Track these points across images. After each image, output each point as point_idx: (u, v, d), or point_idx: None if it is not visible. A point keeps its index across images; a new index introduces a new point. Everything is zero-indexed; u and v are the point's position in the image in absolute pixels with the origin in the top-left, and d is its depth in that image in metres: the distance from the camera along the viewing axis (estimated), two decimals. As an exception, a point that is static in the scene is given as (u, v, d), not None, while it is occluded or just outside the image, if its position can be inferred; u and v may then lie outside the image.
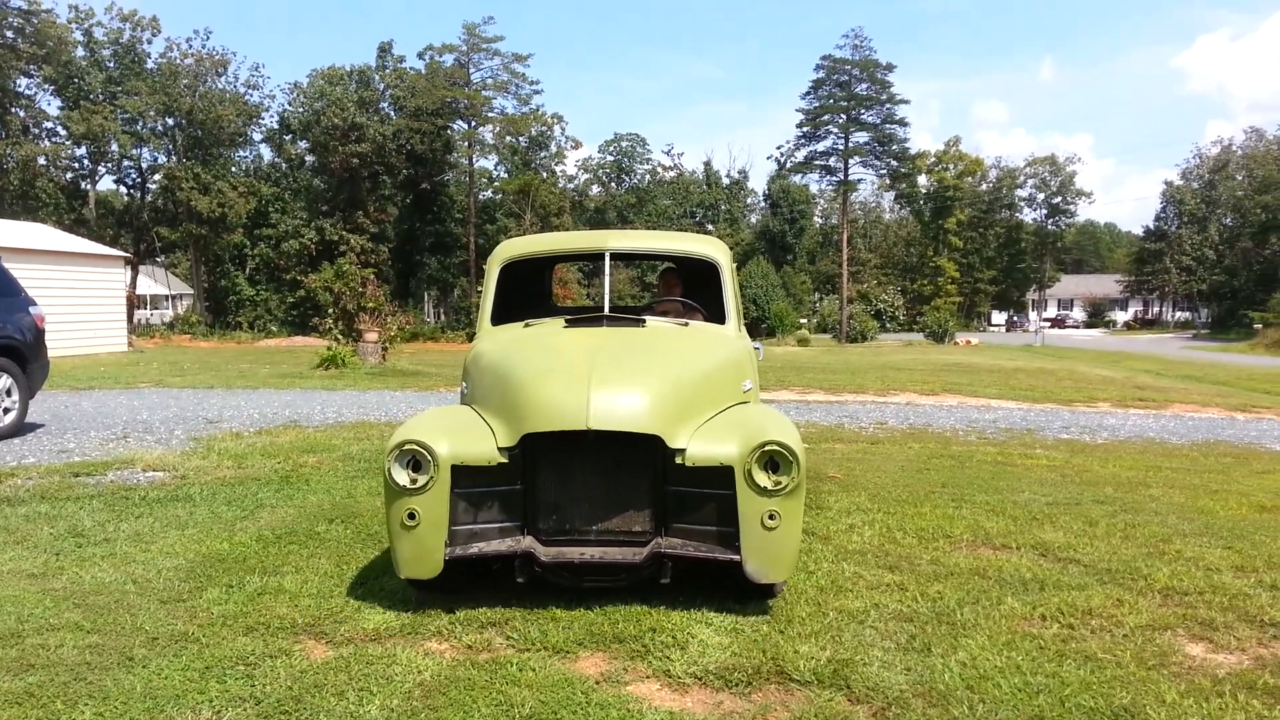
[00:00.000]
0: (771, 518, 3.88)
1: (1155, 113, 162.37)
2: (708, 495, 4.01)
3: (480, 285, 7.22)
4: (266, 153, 57.26)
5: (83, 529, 5.44)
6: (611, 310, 5.34)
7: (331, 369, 17.47)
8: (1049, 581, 4.37)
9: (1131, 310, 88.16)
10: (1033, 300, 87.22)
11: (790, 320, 54.10)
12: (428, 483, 3.96)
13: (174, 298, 65.04)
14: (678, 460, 3.97)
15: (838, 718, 3.00)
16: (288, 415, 10.97)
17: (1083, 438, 9.95)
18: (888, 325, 66.94)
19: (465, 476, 4.02)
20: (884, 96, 57.07)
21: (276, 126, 54.91)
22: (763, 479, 3.88)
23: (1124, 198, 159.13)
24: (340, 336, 18.93)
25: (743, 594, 4.12)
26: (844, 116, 57.57)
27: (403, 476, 3.98)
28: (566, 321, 5.25)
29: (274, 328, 47.35)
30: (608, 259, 5.49)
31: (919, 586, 4.27)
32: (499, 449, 4.02)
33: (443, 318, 60.47)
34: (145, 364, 20.95)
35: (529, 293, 6.10)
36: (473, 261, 53.59)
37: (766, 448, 3.89)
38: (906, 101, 59.73)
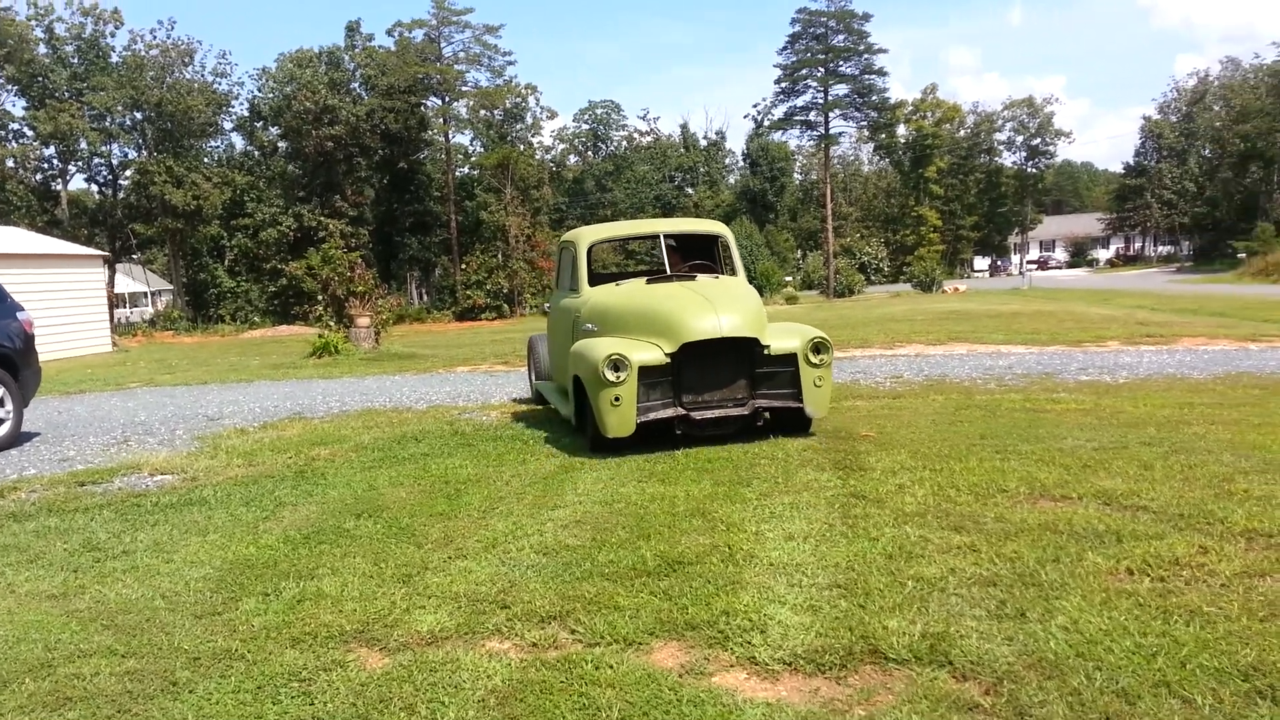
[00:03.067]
0: (819, 380, 6.71)
1: (1125, 50, 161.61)
2: (781, 371, 6.71)
3: (556, 260, 10.26)
4: (239, 141, 56.43)
5: (98, 542, 5.18)
6: (671, 272, 7.92)
7: (325, 357, 17.13)
8: (1124, 532, 4.16)
9: (1113, 248, 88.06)
10: (1014, 244, 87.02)
11: (776, 279, 53.93)
12: (625, 377, 6.36)
13: (153, 294, 64.26)
14: (765, 352, 6.64)
15: (948, 699, 2.79)
16: (290, 407, 10.69)
17: (1103, 378, 9.77)
18: (873, 278, 66.71)
19: (645, 373, 6.44)
20: (861, 47, 56.52)
21: (247, 114, 54.08)
22: (813, 358, 6.66)
23: (1099, 137, 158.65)
24: (331, 323, 18.56)
25: (797, 428, 6.86)
26: (822, 70, 56.96)
27: (611, 375, 6.33)
28: (647, 280, 7.78)
29: (256, 318, 46.88)
30: (662, 239, 8.31)
31: (991, 547, 4.06)
32: (665, 354, 6.48)
33: (424, 298, 59.91)
34: (132, 363, 20.56)
35: (594, 264, 8.79)
36: (454, 239, 53.05)
37: (814, 340, 6.70)
38: (884, 51, 59.34)
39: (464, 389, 11.75)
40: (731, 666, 3.13)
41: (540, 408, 9.52)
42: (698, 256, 8.57)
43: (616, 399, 6.33)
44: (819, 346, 6.63)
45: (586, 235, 8.60)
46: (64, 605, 4.15)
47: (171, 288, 56.10)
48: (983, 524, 4.42)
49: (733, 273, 8.29)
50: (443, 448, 7.43)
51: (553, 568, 4.21)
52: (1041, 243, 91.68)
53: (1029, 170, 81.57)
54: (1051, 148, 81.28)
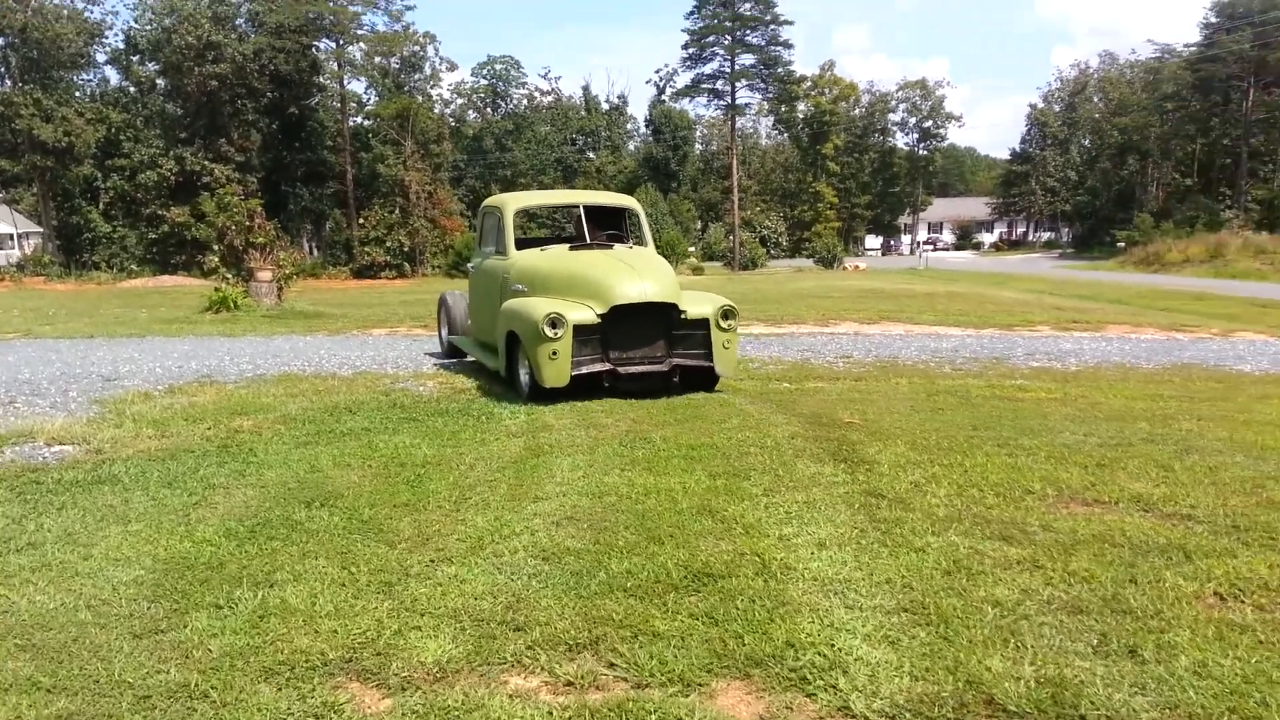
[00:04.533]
0: (727, 343, 7.48)
1: (1005, 38, 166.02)
2: (695, 334, 7.44)
3: (474, 223, 11.28)
4: (114, 76, 52.67)
5: (-7, 531, 4.35)
6: (590, 241, 8.48)
7: (223, 312, 15.90)
8: (1188, 547, 3.82)
9: (997, 232, 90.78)
10: (905, 224, 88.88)
11: (681, 249, 53.50)
12: (562, 334, 6.94)
13: (20, 236, 59.82)
14: (682, 317, 7.37)
15: (1102, 765, 2.35)
16: (195, 369, 9.68)
17: (1053, 365, 9.67)
18: (772, 252, 67.16)
19: (579, 330, 7.04)
20: (768, 17, 56.18)
21: (122, 47, 50.41)
22: (722, 323, 7.42)
23: (980, 123, 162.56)
24: (229, 276, 17.24)
25: (708, 384, 7.66)
26: (729, 38, 56.48)
27: (550, 331, 6.90)
28: (570, 247, 8.37)
29: (134, 266, 43.85)
30: (583, 209, 8.88)
31: (1054, 563, 3.67)
32: (596, 315, 7.13)
33: (315, 253, 57.35)
34: (4, 311, 18.82)
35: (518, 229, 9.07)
36: (349, 192, 50.87)
37: (724, 307, 7.48)
38: (790, 23, 59.12)
39: (388, 354, 10.93)
40: (823, 719, 2.63)
41: (452, 363, 10.03)
42: (609, 226, 9.16)
43: (554, 353, 6.96)
44: (727, 313, 7.48)
45: (512, 202, 9.22)
46: (-40, 618, 3.37)
47: (40, 230, 52.28)
48: (1030, 533, 4.03)
49: (642, 243, 8.92)
50: (384, 422, 6.71)
51: (561, 578, 3.63)
52: (930, 224, 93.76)
53: (920, 152, 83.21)
54: (942, 130, 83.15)
